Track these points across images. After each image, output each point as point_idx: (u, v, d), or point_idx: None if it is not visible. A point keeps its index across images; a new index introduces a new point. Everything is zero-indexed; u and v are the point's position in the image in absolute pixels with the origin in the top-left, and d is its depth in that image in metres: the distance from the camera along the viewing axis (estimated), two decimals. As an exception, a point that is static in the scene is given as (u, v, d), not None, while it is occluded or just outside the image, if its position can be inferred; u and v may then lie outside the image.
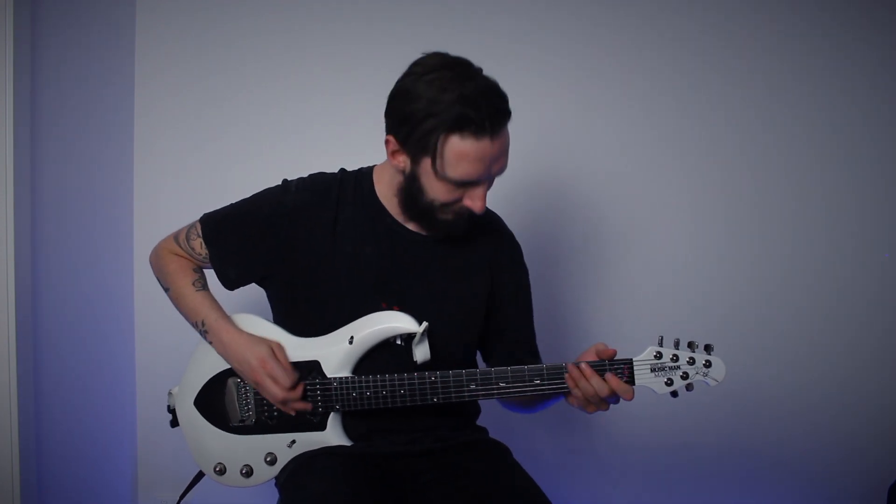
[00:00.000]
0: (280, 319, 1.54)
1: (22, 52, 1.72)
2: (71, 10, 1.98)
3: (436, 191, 1.39)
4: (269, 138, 2.26)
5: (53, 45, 1.89)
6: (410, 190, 1.41)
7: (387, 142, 1.41)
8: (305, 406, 1.45)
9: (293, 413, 1.46)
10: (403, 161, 1.40)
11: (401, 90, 1.37)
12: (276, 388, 1.42)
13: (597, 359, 1.37)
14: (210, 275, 1.57)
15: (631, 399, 1.35)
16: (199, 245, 1.54)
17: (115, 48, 2.21)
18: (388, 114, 1.41)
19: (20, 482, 1.74)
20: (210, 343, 1.50)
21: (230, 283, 1.54)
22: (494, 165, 1.36)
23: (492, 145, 1.33)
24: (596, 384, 1.34)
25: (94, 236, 2.13)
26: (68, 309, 2.00)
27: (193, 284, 1.54)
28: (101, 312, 2.16)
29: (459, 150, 1.32)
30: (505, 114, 1.35)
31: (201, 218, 1.57)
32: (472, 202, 1.39)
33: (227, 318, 1.50)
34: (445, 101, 1.31)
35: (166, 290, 1.58)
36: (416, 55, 1.39)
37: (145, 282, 2.26)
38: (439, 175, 1.35)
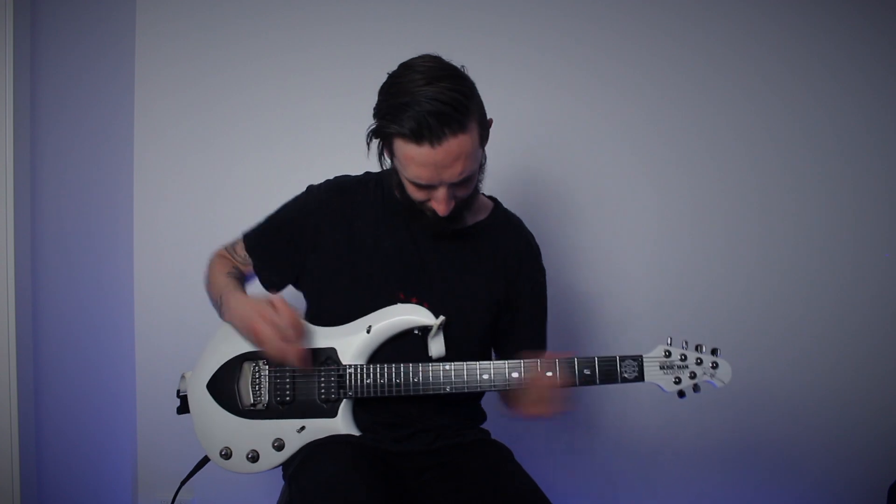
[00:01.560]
0: (310, 317, 1.57)
1: (22, 52, 1.72)
2: (71, 10, 1.98)
3: (408, 188, 1.45)
4: (269, 138, 2.26)
5: (53, 45, 1.89)
6: (399, 184, 1.47)
7: None
8: (303, 362, 1.44)
9: (293, 365, 1.44)
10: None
11: (380, 88, 1.43)
12: (270, 329, 1.41)
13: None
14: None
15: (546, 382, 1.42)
16: (241, 248, 1.62)
17: (115, 48, 2.20)
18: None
19: (20, 482, 1.74)
20: (223, 317, 1.55)
21: (272, 285, 1.61)
22: (444, 172, 1.38)
23: (434, 153, 1.35)
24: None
25: (94, 236, 2.13)
26: (68, 309, 2.00)
27: (227, 274, 1.61)
28: (101, 312, 2.16)
29: (405, 154, 1.37)
30: (449, 124, 1.33)
31: (243, 236, 1.64)
32: (436, 205, 1.43)
33: (242, 291, 1.56)
34: (397, 105, 1.35)
35: (207, 285, 1.64)
36: (416, 55, 1.42)
37: (145, 282, 2.28)
38: (400, 174, 1.42)
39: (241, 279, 1.63)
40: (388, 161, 1.46)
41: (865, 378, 2.34)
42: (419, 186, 1.42)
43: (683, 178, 2.32)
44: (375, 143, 1.45)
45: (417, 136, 1.33)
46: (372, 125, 1.42)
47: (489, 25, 2.25)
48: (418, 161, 1.36)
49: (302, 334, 1.46)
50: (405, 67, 1.39)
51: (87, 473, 2.10)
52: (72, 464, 2.02)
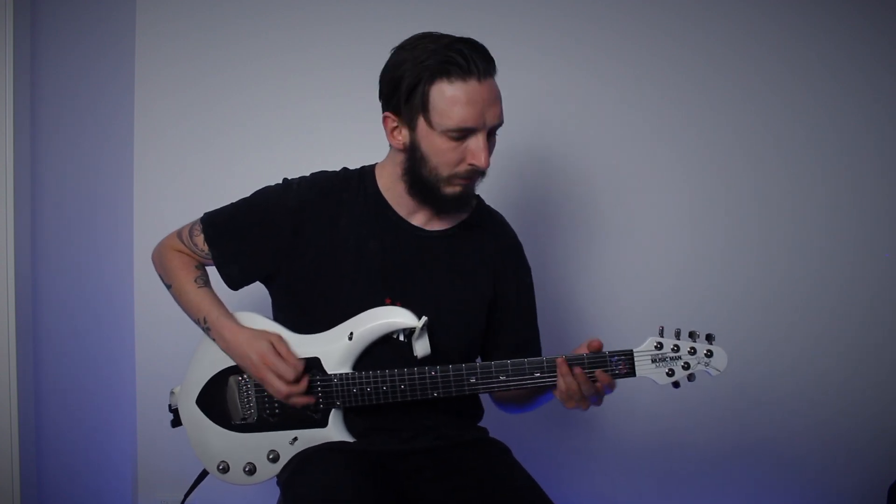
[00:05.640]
0: (283, 317, 1.54)
1: (22, 52, 1.72)
2: (71, 10, 1.98)
3: (437, 152, 1.39)
4: (269, 137, 2.26)
5: (53, 45, 1.89)
6: (413, 164, 1.42)
7: (384, 120, 1.43)
8: (308, 400, 1.45)
9: (298, 406, 1.46)
10: (403, 135, 1.41)
11: (387, 65, 1.42)
12: (279, 382, 1.42)
13: (587, 353, 1.38)
14: (213, 272, 1.57)
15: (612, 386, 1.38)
16: (201, 241, 1.54)
17: (115, 48, 2.20)
18: (381, 92, 1.43)
19: (20, 482, 1.74)
20: (213, 340, 1.50)
21: (234, 282, 1.54)
22: (488, 112, 1.37)
23: (480, 87, 1.35)
24: (581, 380, 1.36)
25: (94, 236, 2.13)
26: (68, 309, 2.00)
27: (195, 281, 1.54)
28: (101, 312, 2.16)
29: (450, 95, 1.34)
30: (489, 60, 1.37)
31: (202, 218, 1.57)
32: (475, 157, 1.38)
33: (229, 315, 1.50)
34: (428, 53, 1.35)
35: (168, 286, 1.58)
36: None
37: (145, 282, 2.27)
38: (436, 129, 1.36)
39: (208, 279, 1.57)
40: (408, 136, 1.40)
41: (865, 378, 2.34)
42: (458, 137, 1.36)
43: (682, 178, 2.31)
44: (392, 121, 1.41)
45: (465, 71, 1.33)
46: (402, 90, 1.36)
47: (489, 25, 2.24)
48: (465, 98, 1.33)
49: (304, 377, 1.44)
50: (409, 41, 1.41)
51: (87, 473, 2.10)
52: (72, 464, 2.02)
